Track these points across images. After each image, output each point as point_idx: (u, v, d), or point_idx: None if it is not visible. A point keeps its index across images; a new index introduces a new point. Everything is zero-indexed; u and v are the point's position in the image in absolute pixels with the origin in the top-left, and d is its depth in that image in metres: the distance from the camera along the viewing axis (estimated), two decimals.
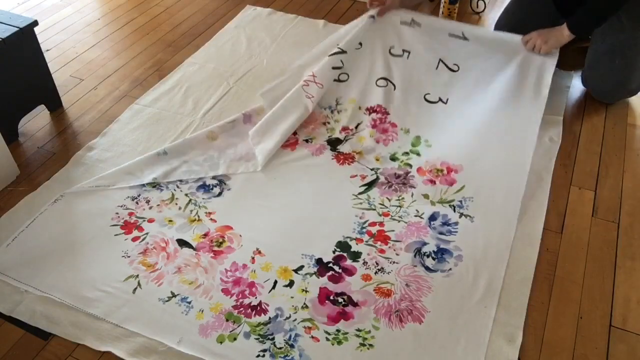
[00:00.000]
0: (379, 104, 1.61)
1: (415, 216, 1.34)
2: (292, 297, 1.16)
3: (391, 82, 1.64)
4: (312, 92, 1.59)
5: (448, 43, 1.63)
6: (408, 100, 1.62)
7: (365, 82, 1.65)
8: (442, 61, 1.63)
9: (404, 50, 1.66)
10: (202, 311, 1.14)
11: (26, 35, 1.52)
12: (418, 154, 1.50)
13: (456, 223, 1.32)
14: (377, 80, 1.65)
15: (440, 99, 1.61)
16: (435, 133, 1.55)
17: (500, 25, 1.93)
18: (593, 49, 1.69)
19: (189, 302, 1.16)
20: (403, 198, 1.39)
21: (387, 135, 1.55)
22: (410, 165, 1.47)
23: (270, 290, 1.18)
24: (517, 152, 1.47)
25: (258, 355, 1.06)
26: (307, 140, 1.56)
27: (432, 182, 1.42)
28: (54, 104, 1.71)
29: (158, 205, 1.37)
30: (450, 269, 1.22)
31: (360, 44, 1.66)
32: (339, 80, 1.67)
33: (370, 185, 1.42)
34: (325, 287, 1.18)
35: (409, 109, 1.60)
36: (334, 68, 1.62)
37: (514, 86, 1.56)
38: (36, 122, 1.66)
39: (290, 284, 1.19)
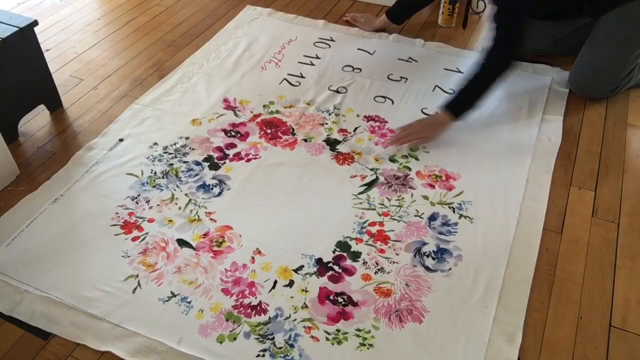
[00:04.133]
0: (377, 115, 1.64)
1: (415, 216, 1.34)
2: (292, 297, 1.16)
3: (389, 99, 1.72)
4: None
5: (444, 75, 1.81)
6: (406, 112, 1.67)
7: (363, 98, 1.72)
8: (438, 86, 1.76)
9: (401, 77, 1.80)
10: (202, 311, 1.14)
11: (26, 35, 1.52)
12: (417, 159, 1.50)
13: (456, 223, 1.32)
14: (375, 97, 1.72)
15: (437, 113, 1.63)
16: (434, 141, 1.55)
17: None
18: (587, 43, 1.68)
19: (189, 302, 1.16)
20: (403, 198, 1.39)
21: (386, 139, 1.56)
22: (409, 169, 1.47)
23: (270, 290, 1.18)
24: (514, 161, 1.48)
25: (258, 355, 1.06)
26: (305, 140, 1.56)
27: (432, 186, 1.42)
28: (54, 103, 1.71)
29: (158, 205, 1.37)
30: (450, 269, 1.22)
31: (360, 69, 1.84)
32: (337, 92, 1.72)
33: (370, 185, 1.42)
34: (325, 287, 1.18)
35: (407, 119, 1.63)
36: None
37: (510, 102, 1.68)
38: (36, 122, 1.66)
39: (290, 283, 1.19)
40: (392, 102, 1.70)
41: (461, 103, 1.52)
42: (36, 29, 1.56)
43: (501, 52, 1.47)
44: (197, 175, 1.45)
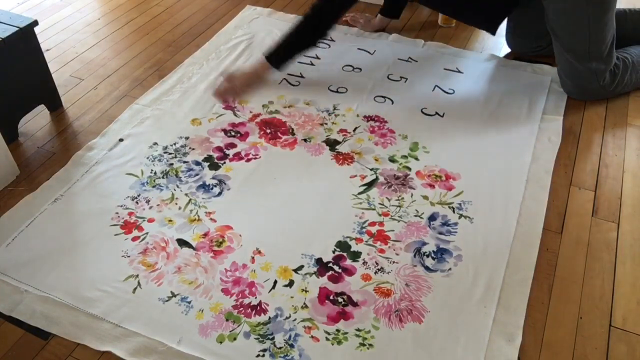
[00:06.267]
0: (377, 115, 1.65)
1: (415, 216, 1.34)
2: (292, 297, 1.16)
3: (389, 98, 1.72)
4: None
5: (443, 75, 1.82)
6: (406, 112, 1.67)
7: (363, 98, 1.73)
8: (437, 86, 1.77)
9: (401, 77, 1.81)
10: (202, 311, 1.14)
11: (26, 35, 1.52)
12: (416, 159, 1.50)
13: (456, 223, 1.32)
14: (375, 97, 1.73)
15: (437, 113, 1.66)
16: (433, 141, 1.56)
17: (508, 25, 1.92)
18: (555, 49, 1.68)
19: (189, 302, 1.16)
20: (403, 198, 1.39)
21: (386, 139, 1.56)
22: (409, 169, 1.47)
23: (270, 290, 1.18)
24: (514, 161, 1.48)
25: (258, 355, 1.07)
26: (305, 140, 1.56)
27: (431, 186, 1.42)
28: (54, 103, 1.71)
29: (158, 205, 1.37)
30: (450, 269, 1.22)
31: (360, 69, 1.84)
32: (337, 92, 1.72)
33: (369, 185, 1.42)
34: (325, 287, 1.18)
35: (407, 119, 1.64)
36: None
37: (510, 102, 1.68)
38: (36, 122, 1.66)
39: (290, 283, 1.19)
40: (392, 102, 1.70)
41: (280, 56, 1.69)
42: (36, 29, 1.56)
43: (318, 18, 1.65)
44: (197, 175, 1.45)
